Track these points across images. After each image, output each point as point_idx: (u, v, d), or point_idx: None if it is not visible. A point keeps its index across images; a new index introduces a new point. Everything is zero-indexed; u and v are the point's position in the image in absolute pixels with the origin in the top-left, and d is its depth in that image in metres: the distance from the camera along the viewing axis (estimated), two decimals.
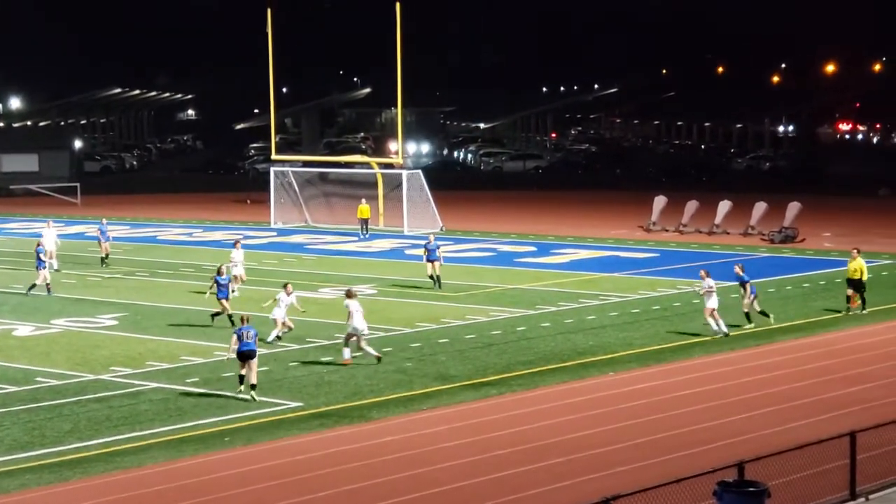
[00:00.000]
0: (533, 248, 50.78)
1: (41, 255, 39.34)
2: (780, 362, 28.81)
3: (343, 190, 63.73)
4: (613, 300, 37.41)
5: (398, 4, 58.03)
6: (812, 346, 30.67)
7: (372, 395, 25.67)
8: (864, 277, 34.65)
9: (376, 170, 62.71)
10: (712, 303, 31.56)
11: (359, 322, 28.42)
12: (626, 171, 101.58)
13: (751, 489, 15.50)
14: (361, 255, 49.50)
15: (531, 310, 35.74)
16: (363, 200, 57.60)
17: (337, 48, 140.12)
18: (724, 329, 31.55)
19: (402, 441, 22.27)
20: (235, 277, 37.63)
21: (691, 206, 57.13)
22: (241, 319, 26.41)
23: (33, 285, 38.69)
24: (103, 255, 45.84)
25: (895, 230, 55.63)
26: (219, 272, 33.57)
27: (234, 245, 40.26)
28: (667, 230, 56.22)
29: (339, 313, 34.31)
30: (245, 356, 25.18)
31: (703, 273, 32.33)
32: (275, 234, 57.93)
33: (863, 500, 18.38)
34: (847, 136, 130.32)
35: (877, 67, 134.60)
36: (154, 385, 26.53)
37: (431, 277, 39.53)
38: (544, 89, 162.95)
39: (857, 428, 18.68)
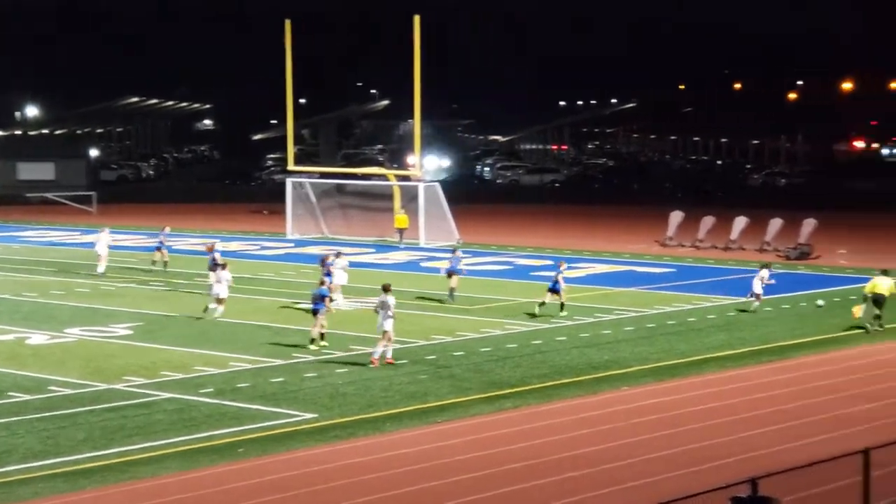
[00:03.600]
0: (549, 262, 50.74)
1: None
2: (793, 378, 28.76)
3: (360, 202, 63.82)
4: (629, 315, 37.40)
5: (417, 17, 58.16)
6: (826, 363, 30.63)
7: (387, 407, 25.70)
8: (886, 293, 34.69)
9: (393, 182, 62.80)
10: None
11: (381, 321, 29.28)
12: (642, 185, 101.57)
13: None
14: (378, 266, 49.54)
15: (546, 323, 35.74)
16: (402, 210, 58.28)
17: (355, 59, 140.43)
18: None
19: (416, 454, 22.29)
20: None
21: (707, 221, 57.10)
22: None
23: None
24: (164, 261, 46.53)
25: None
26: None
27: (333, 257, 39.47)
28: (683, 245, 56.18)
29: (354, 324, 34.41)
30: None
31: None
32: (292, 244, 58.03)
33: None
34: (863, 154, 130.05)
35: (894, 86, 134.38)
36: (168, 395, 26.59)
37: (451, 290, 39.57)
38: (562, 103, 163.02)
39: (870, 445, 18.65)
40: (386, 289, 30.12)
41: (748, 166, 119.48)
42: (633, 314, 37.53)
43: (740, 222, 56.19)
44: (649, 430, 23.77)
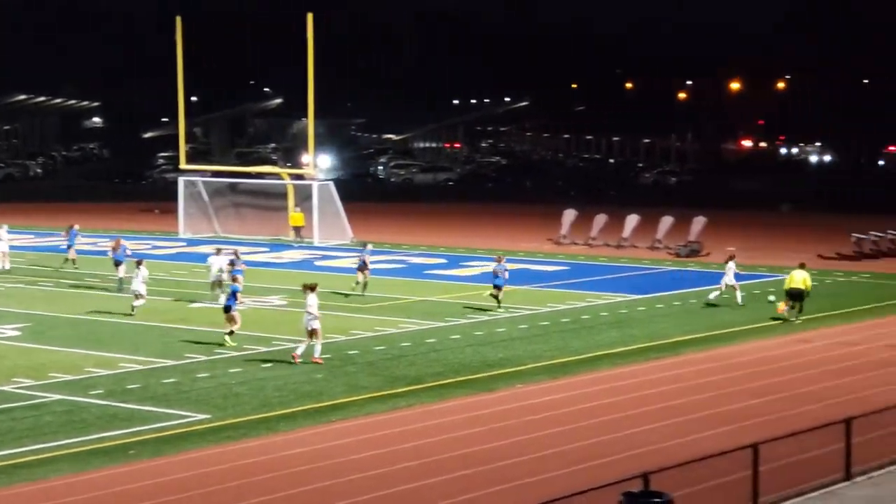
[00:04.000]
0: (443, 260, 50.94)
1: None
2: (683, 374, 29.19)
3: (253, 200, 63.41)
4: (523, 313, 37.64)
5: (310, 14, 57.95)
6: (715, 359, 31.12)
7: (280, 406, 25.60)
8: (807, 287, 36.19)
9: (287, 181, 62.52)
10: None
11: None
12: (536, 184, 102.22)
13: (655, 500, 15.69)
14: (272, 265, 49.29)
15: (441, 322, 35.85)
16: (297, 209, 58.13)
17: (248, 57, 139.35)
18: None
19: (311, 453, 22.24)
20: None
21: (600, 219, 57.66)
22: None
23: None
24: (71, 259, 46.50)
25: (797, 244, 56.50)
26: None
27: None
28: (576, 243, 56.68)
29: (246, 324, 34.20)
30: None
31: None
32: (184, 244, 57.49)
33: None
34: (751, 153, 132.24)
35: (780, 85, 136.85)
36: (57, 397, 26.21)
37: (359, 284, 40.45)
38: (455, 102, 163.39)
39: (758, 440, 19.00)
40: (311, 288, 30.11)
41: (640, 165, 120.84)
42: (527, 312, 37.79)
43: (632, 220, 56.83)
44: (542, 428, 23.96)
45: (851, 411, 21.72)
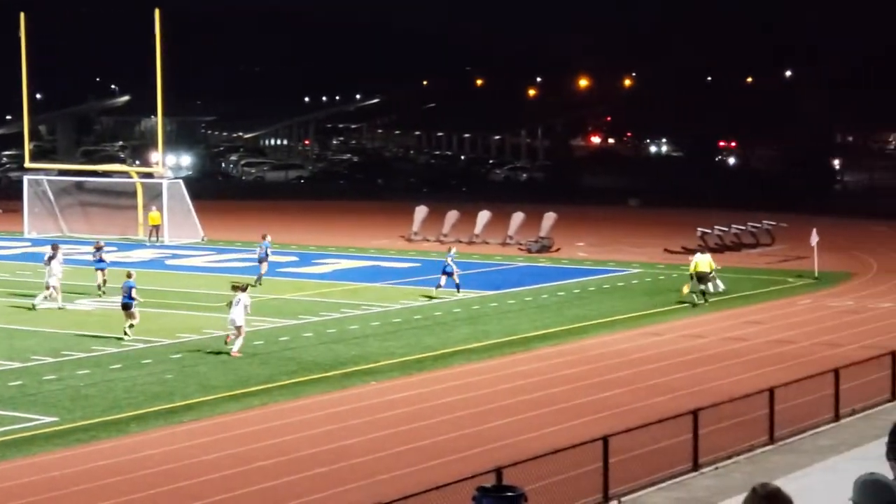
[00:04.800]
0: (295, 258, 50.70)
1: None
2: (536, 369, 29.52)
3: (101, 199, 62.35)
4: (375, 310, 37.68)
5: (157, 10, 57.15)
6: (566, 353, 31.54)
7: (131, 408, 25.22)
8: (712, 269, 39.05)
9: (136, 179, 61.61)
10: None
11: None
12: (387, 181, 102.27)
13: (508, 493, 15.81)
14: (121, 265, 48.47)
15: (293, 319, 35.70)
16: (154, 208, 57.39)
17: (94, 53, 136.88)
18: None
19: (163, 454, 21.96)
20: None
21: (452, 215, 57.93)
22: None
23: None
24: None
25: (644, 239, 57.55)
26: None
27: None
28: (428, 240, 56.87)
29: (95, 326, 33.65)
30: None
31: None
32: (29, 244, 56.25)
33: (615, 502, 18.99)
34: (599, 149, 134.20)
35: (627, 83, 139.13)
36: None
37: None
38: (306, 99, 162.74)
39: (609, 432, 19.32)
40: (242, 288, 30.92)
41: (490, 161, 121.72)
42: (379, 309, 37.82)
43: (484, 216, 57.21)
44: (397, 424, 24.02)
45: (699, 403, 22.22)
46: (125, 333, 32.21)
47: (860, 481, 7.07)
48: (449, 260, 40.19)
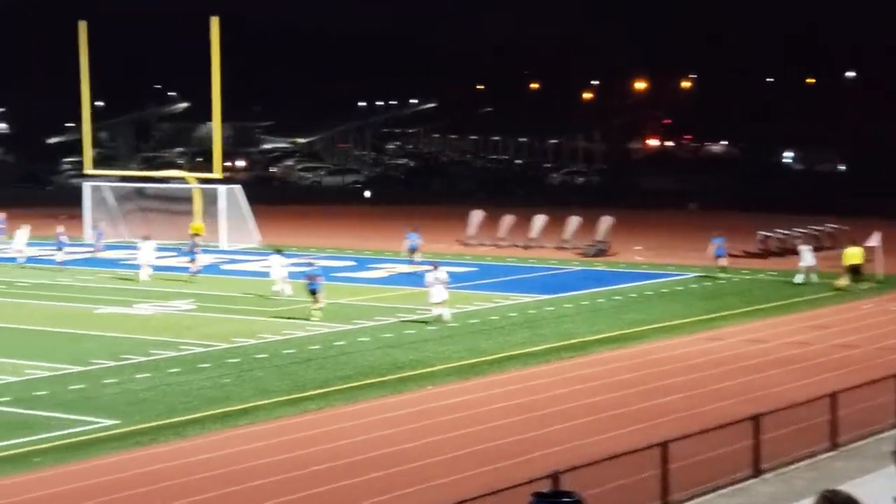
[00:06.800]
0: (352, 263, 50.75)
1: None
2: (593, 373, 29.33)
3: (161, 205, 62.72)
4: (432, 314, 37.54)
5: (215, 18, 57.41)
6: (624, 358, 31.30)
7: (187, 412, 25.31)
8: (861, 262, 41.47)
9: (193, 185, 61.91)
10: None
11: None
12: (443, 185, 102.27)
13: (565, 499, 15.68)
14: (181, 270, 48.73)
15: (349, 324, 35.70)
16: (197, 218, 57.66)
17: (154, 61, 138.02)
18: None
19: (219, 458, 22.01)
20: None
21: (507, 220, 57.79)
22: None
23: None
24: None
25: (704, 244, 57.05)
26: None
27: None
28: (484, 244, 56.76)
29: (154, 330, 33.84)
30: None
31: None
32: (92, 249, 56.62)
33: None
34: (658, 152, 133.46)
35: (685, 85, 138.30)
36: None
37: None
38: (362, 104, 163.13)
39: (668, 438, 19.13)
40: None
41: (547, 165, 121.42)
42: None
43: (539, 220, 57.02)
44: (454, 428, 23.93)
45: (760, 408, 21.96)
46: (311, 316, 35.51)
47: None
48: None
